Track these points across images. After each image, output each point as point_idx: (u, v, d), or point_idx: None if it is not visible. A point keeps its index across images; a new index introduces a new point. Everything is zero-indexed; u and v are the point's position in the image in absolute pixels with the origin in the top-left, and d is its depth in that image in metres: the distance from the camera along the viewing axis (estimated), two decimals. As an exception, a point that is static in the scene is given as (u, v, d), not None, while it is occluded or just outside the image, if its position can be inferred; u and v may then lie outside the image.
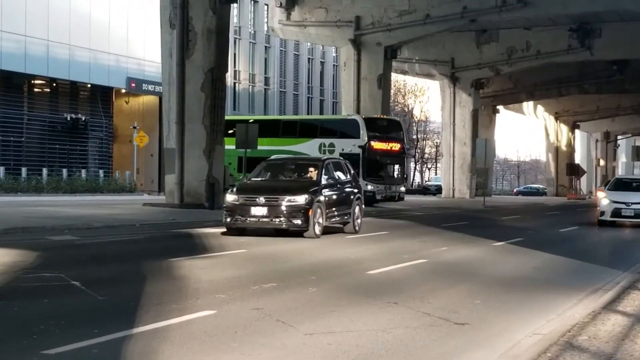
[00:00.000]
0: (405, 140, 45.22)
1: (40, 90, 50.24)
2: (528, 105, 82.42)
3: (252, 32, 68.15)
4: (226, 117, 39.22)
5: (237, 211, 19.56)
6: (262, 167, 21.93)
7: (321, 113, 75.70)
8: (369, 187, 39.05)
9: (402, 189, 42.49)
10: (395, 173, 42.26)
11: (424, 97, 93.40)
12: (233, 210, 19.68)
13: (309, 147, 40.94)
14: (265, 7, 64.42)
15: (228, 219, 19.84)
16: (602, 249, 21.04)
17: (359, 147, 39.02)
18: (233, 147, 34.74)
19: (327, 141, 40.62)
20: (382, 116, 43.40)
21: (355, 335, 8.59)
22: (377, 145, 39.84)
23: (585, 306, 10.67)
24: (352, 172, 22.99)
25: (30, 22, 45.55)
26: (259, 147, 42.09)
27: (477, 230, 25.71)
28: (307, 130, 42.98)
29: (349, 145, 39.44)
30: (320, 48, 76.76)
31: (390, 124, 43.46)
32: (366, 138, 39.15)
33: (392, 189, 40.79)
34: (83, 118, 50.52)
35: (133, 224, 23.20)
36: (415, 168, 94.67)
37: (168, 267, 13.74)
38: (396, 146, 41.43)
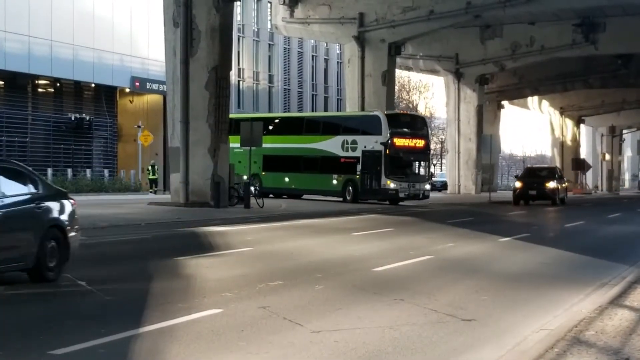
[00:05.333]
0: (430, 137, 42.99)
1: (44, 90, 50.25)
2: (533, 100, 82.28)
3: (256, 30, 68.12)
4: (250, 115, 39.12)
5: None
6: None
7: (325, 110, 75.61)
8: (392, 185, 37.91)
9: (427, 187, 40.90)
10: (420, 170, 40.70)
11: (429, 93, 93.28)
12: None
13: (332, 145, 39.96)
14: (269, 4, 64.26)
15: None
16: (608, 244, 21.00)
17: (381, 143, 37.67)
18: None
19: (349, 138, 39.44)
20: (405, 112, 42.89)
21: (362, 333, 8.59)
22: (399, 141, 38.38)
23: (592, 301, 10.66)
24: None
25: (33, 22, 45.55)
26: (284, 145, 41.85)
27: (483, 226, 25.69)
28: (330, 127, 41.82)
29: (371, 142, 38.27)
30: (324, 45, 76.67)
31: (414, 120, 42.35)
32: (388, 134, 37.76)
33: (415, 187, 39.30)
34: (87, 118, 50.52)
35: (139, 223, 23.22)
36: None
37: (174, 266, 13.75)
38: (420, 143, 39.93)
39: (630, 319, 9.28)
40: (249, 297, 10.63)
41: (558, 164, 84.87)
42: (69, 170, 48.48)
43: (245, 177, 35.61)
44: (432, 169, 44.78)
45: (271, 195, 41.45)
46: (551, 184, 44.58)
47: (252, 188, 40.89)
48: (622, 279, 12.77)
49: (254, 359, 7.45)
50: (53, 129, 49.34)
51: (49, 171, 47.05)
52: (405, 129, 39.81)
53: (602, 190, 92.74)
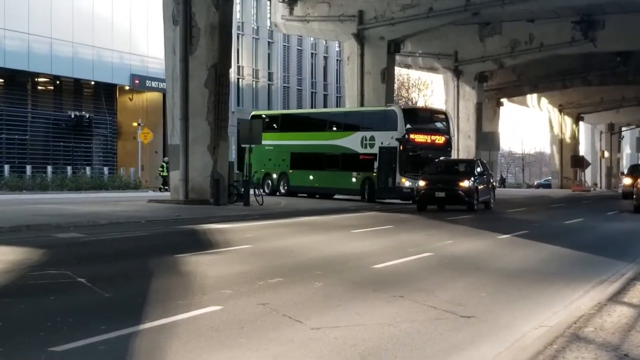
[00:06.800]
0: (452, 133, 40.93)
1: (44, 88, 50.30)
2: (532, 98, 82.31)
3: (255, 27, 68.12)
4: (279, 112, 37.71)
5: None
6: None
7: (325, 107, 75.60)
8: (407, 184, 36.64)
9: None
10: None
11: (428, 90, 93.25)
12: None
13: (352, 141, 39.09)
14: (268, 2, 64.31)
15: None
16: (608, 241, 21.00)
17: (397, 139, 36.63)
18: (286, 142, 34.27)
19: (368, 134, 38.42)
20: (424, 107, 42.29)
21: (361, 329, 8.60)
22: (417, 137, 37.18)
23: (591, 298, 10.67)
24: None
25: (33, 20, 45.59)
26: (308, 142, 41.31)
27: (482, 223, 25.70)
28: (350, 123, 41.02)
29: (387, 138, 37.13)
30: (323, 43, 76.67)
31: (434, 116, 41.02)
32: (404, 130, 36.68)
33: None
34: (87, 115, 50.58)
35: (138, 221, 23.22)
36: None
37: (174, 263, 13.76)
38: (440, 139, 38.45)
39: (629, 315, 9.30)
40: (249, 294, 10.64)
41: (557, 161, 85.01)
42: (69, 168, 48.56)
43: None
44: None
45: (300, 195, 41.01)
46: (466, 183, 32.42)
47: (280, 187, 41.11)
48: (621, 276, 12.78)
49: (253, 355, 7.46)
50: (53, 127, 49.39)
51: (49, 169, 47.16)
52: (423, 125, 38.55)
53: (601, 187, 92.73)
